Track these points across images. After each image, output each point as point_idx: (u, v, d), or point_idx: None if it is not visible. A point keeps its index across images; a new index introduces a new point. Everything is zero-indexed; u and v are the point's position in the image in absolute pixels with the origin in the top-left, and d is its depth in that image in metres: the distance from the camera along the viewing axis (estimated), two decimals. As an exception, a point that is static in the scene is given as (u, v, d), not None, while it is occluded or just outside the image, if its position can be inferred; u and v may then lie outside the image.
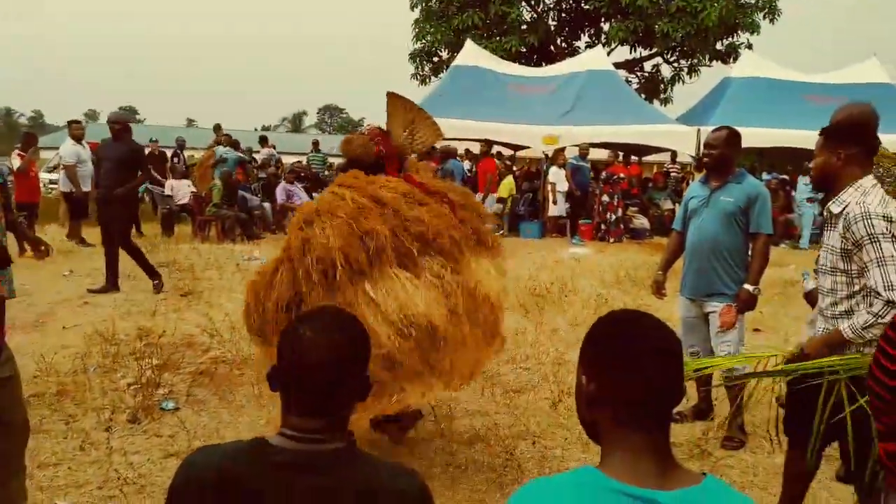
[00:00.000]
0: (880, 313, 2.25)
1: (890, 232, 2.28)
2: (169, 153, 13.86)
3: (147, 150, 13.38)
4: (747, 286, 3.50)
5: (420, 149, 3.51)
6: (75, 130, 9.48)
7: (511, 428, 3.69)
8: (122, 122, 6.67)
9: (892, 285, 2.22)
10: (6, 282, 3.78)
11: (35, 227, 8.76)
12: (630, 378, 1.05)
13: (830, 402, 2.22)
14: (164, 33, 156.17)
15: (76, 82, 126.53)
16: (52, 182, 15.72)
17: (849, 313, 2.39)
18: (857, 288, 2.38)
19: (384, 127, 3.44)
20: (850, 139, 2.45)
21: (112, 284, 6.44)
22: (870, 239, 2.28)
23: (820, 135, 2.52)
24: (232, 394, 3.99)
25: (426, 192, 2.97)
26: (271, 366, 1.26)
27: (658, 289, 3.96)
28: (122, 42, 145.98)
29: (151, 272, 6.55)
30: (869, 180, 2.41)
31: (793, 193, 13.06)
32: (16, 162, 9.05)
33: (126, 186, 6.45)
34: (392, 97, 3.43)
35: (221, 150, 12.02)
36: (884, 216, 2.29)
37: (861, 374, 2.12)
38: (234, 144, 12.81)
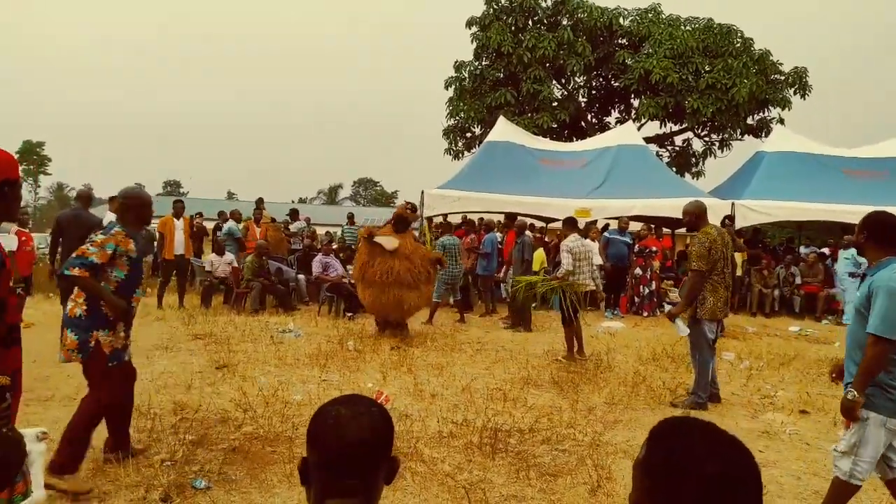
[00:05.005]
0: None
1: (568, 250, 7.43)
2: (211, 226, 14.29)
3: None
4: (846, 391, 3.08)
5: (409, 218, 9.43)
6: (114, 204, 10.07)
7: (548, 515, 3.54)
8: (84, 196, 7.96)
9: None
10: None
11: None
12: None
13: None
14: (206, 103, 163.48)
15: (123, 157, 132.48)
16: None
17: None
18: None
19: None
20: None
21: None
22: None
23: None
24: (264, 472, 3.94)
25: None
26: (302, 458, 1.27)
27: (833, 375, 3.62)
28: (161, 117, 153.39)
29: None
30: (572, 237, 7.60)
31: (833, 268, 12.79)
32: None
33: None
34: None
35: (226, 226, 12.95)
36: (566, 245, 7.46)
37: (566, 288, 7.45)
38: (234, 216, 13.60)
